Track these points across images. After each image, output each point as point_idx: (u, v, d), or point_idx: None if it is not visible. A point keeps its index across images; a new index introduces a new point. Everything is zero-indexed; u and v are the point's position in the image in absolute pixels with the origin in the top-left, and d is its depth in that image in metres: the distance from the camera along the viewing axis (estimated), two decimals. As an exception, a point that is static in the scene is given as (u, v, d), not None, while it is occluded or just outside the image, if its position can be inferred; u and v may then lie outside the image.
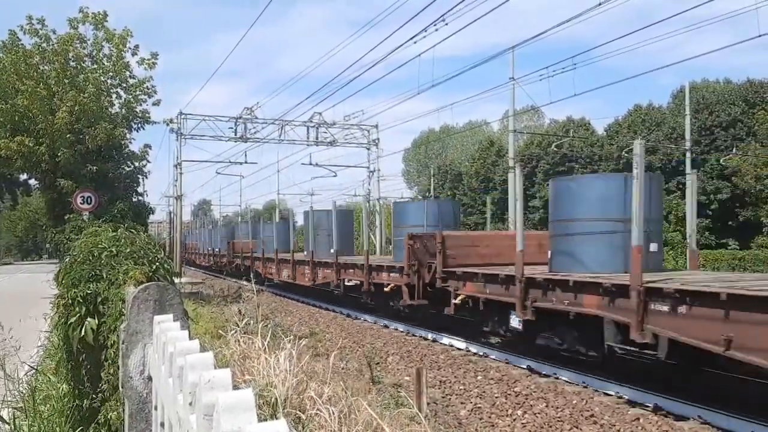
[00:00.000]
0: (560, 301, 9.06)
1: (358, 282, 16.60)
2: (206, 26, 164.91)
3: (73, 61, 19.95)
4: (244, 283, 23.69)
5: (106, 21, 20.52)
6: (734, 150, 36.09)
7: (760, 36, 14.53)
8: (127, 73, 20.81)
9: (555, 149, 43.76)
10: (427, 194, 60.73)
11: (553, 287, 9.27)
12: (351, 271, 17.19)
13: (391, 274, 14.57)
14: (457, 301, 11.73)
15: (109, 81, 20.55)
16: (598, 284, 8.34)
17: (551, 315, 9.49)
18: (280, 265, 23.14)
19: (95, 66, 20.27)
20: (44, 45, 19.91)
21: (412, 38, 16.81)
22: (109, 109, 20.50)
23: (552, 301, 9.26)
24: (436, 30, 15.99)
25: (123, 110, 21.07)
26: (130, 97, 21.13)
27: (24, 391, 5.77)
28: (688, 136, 32.09)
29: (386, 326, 14.96)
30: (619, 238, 9.23)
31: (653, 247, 9.51)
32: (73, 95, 18.54)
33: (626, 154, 39.12)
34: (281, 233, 25.31)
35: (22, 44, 19.82)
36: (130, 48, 20.66)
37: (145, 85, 21.13)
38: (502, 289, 10.29)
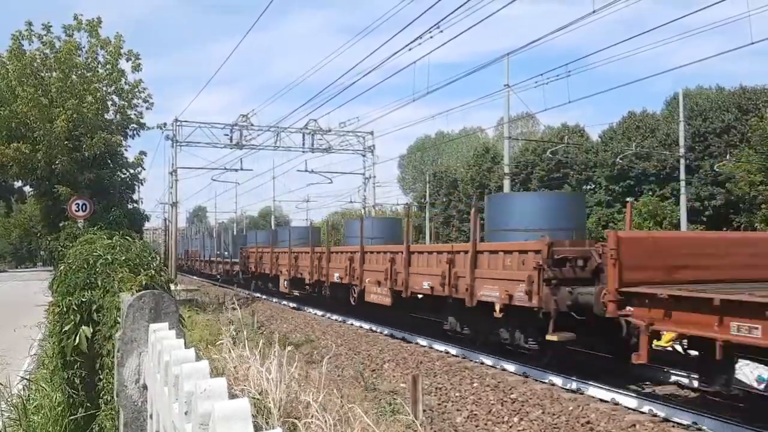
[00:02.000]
0: None
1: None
2: (201, 33, 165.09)
3: (76, 69, 19.92)
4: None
5: (100, 27, 20.52)
6: (728, 156, 36.28)
7: (752, 43, 14.65)
8: (123, 80, 20.82)
9: (550, 156, 43.92)
10: (422, 201, 60.81)
11: None
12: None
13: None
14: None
15: (104, 88, 20.53)
16: None
17: None
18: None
19: (90, 74, 20.25)
20: (47, 51, 19.87)
21: (407, 45, 16.87)
22: (104, 116, 20.47)
23: None
24: (431, 37, 16.06)
25: (117, 116, 21.05)
26: (125, 102, 21.13)
27: (17, 401, 5.73)
28: (682, 142, 32.25)
29: (381, 333, 14.93)
30: None
31: None
32: (73, 104, 18.50)
33: (620, 161, 39.30)
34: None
35: (23, 50, 19.79)
36: (124, 54, 20.67)
37: (136, 89, 21.13)
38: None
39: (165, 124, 26.39)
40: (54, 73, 19.49)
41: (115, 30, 20.97)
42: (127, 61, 20.77)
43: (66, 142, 18.78)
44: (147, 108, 21.52)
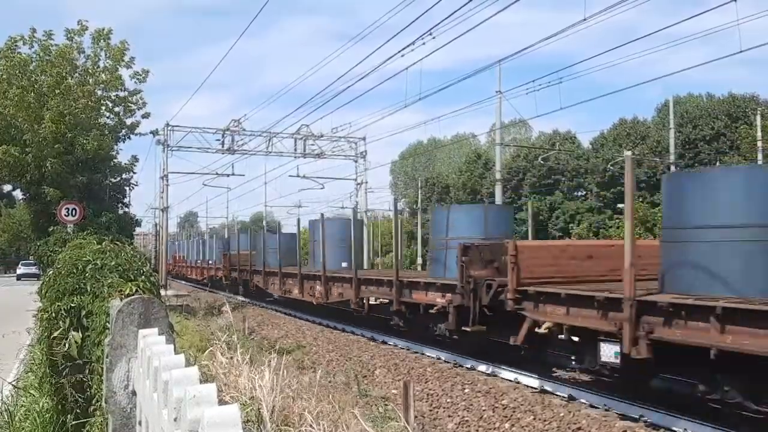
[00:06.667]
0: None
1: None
2: (193, 38, 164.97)
3: (72, 71, 19.81)
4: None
5: (109, 38, 20.47)
6: (717, 163, 36.54)
7: (741, 51, 14.75)
8: (118, 85, 20.74)
9: (541, 162, 44.13)
10: (414, 206, 60.86)
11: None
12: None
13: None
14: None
15: (99, 92, 20.44)
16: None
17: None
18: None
19: (87, 77, 20.15)
20: (42, 55, 19.74)
21: (399, 52, 16.91)
22: (98, 120, 20.36)
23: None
24: (424, 44, 16.09)
25: (112, 121, 20.96)
26: (120, 108, 21.04)
27: (3, 407, 5.67)
28: (672, 149, 32.48)
29: (373, 339, 14.90)
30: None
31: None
32: (64, 104, 18.37)
33: (611, 167, 39.54)
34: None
35: (20, 53, 19.66)
36: (125, 61, 20.61)
37: (134, 97, 21.05)
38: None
39: (157, 130, 26.31)
40: (46, 77, 19.38)
41: (108, 33, 20.83)
42: (127, 68, 20.71)
43: (57, 145, 18.62)
44: (143, 116, 21.47)
